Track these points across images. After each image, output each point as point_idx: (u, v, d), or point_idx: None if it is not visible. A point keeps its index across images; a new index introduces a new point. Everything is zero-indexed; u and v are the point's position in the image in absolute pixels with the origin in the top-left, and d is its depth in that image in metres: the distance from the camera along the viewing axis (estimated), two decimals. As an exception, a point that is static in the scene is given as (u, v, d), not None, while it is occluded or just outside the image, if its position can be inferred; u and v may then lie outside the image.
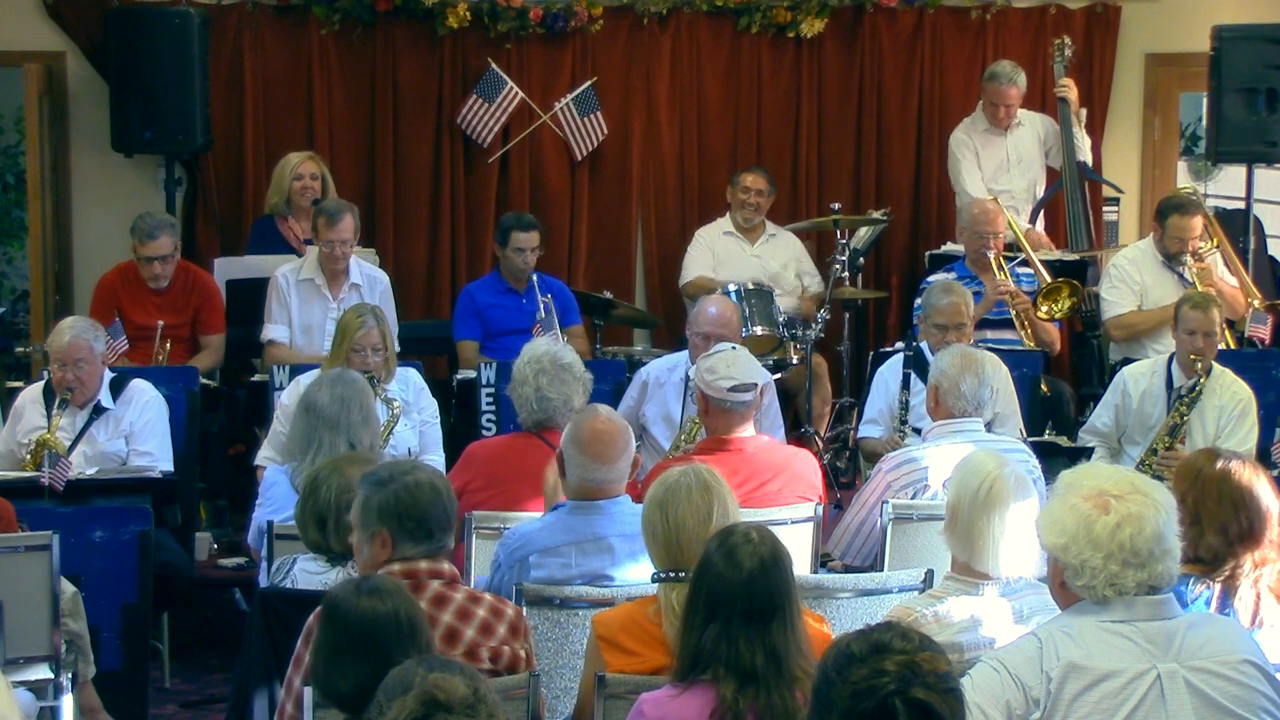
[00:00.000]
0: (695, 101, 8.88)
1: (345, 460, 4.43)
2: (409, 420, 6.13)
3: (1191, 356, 6.37)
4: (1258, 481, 3.97)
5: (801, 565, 4.85)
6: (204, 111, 8.15)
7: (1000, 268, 7.43)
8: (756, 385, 5.21)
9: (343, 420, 5.09)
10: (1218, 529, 3.90)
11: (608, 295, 8.06)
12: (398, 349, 7.12)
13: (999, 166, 8.34)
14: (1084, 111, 8.45)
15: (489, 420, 6.72)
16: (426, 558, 3.78)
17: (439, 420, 6.35)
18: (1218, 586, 3.89)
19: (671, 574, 3.66)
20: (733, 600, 3.24)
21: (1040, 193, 8.44)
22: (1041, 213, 8.44)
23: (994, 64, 8.38)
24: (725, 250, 8.35)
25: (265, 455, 6.01)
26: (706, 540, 3.41)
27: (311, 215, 7.53)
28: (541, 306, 7.30)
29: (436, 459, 6.15)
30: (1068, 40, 8.46)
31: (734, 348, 5.40)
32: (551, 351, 5.37)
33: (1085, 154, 8.41)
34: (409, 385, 6.25)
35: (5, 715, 2.74)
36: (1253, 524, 3.91)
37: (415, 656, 3.00)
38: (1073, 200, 8.35)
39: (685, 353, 6.45)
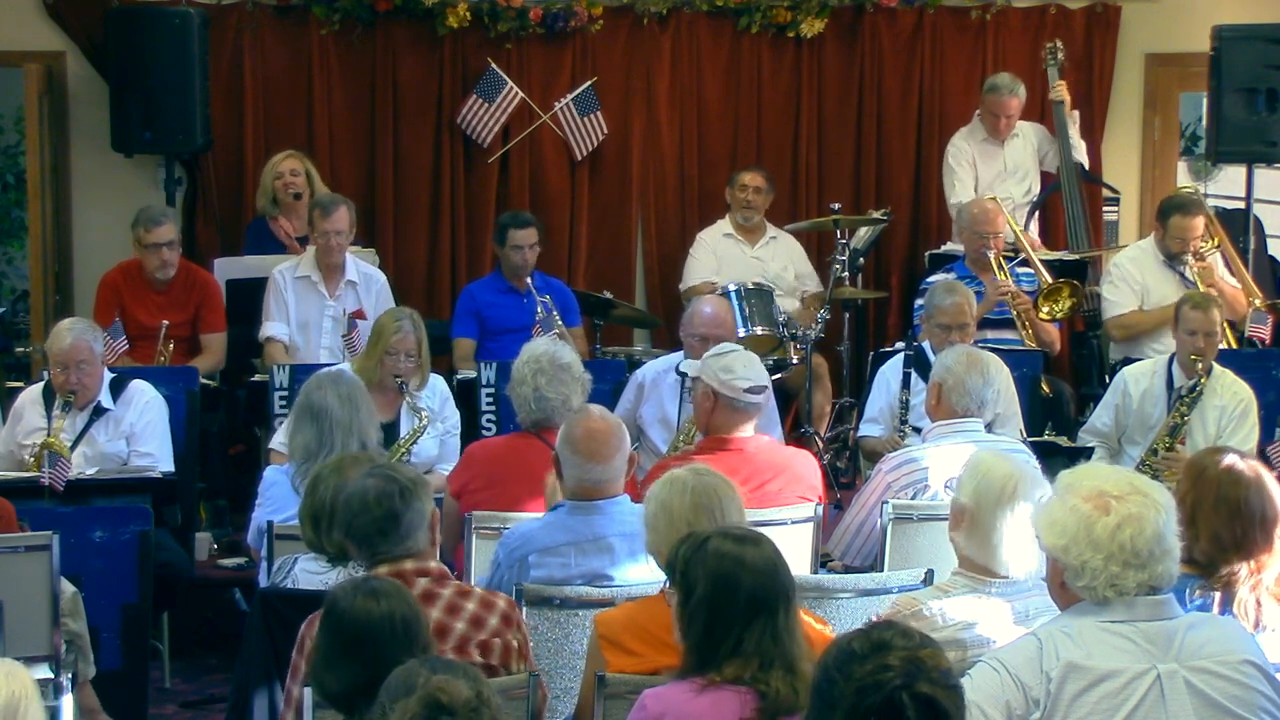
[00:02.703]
0: (695, 101, 8.88)
1: (350, 461, 4.44)
2: (432, 429, 6.09)
3: (1192, 357, 6.37)
4: (1259, 489, 3.94)
5: (801, 565, 4.86)
6: (204, 111, 8.15)
7: (1000, 268, 7.43)
8: (768, 387, 5.26)
9: (354, 421, 5.12)
10: (1211, 536, 3.88)
11: (608, 295, 8.06)
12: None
13: (996, 176, 8.35)
14: (1076, 114, 8.46)
15: (489, 420, 6.72)
16: (410, 558, 3.81)
17: (459, 432, 6.30)
18: (1217, 595, 3.87)
19: None
20: (775, 597, 3.24)
21: (1035, 199, 8.45)
22: (1036, 215, 8.44)
23: (993, 76, 8.39)
24: (726, 252, 8.35)
25: (280, 440, 5.96)
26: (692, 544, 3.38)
27: (301, 211, 7.57)
28: (540, 306, 7.30)
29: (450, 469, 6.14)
30: (1059, 44, 8.47)
31: (737, 349, 5.41)
32: (550, 351, 5.37)
33: (1081, 156, 8.42)
34: (435, 394, 6.21)
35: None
36: (1246, 534, 3.89)
37: (418, 657, 3.00)
38: (1071, 201, 8.36)
39: (681, 354, 6.45)
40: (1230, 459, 4.04)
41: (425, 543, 3.89)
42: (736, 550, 3.27)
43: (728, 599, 3.23)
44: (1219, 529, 3.89)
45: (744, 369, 5.19)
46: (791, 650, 3.22)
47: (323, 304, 7.27)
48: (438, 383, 6.31)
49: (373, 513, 3.81)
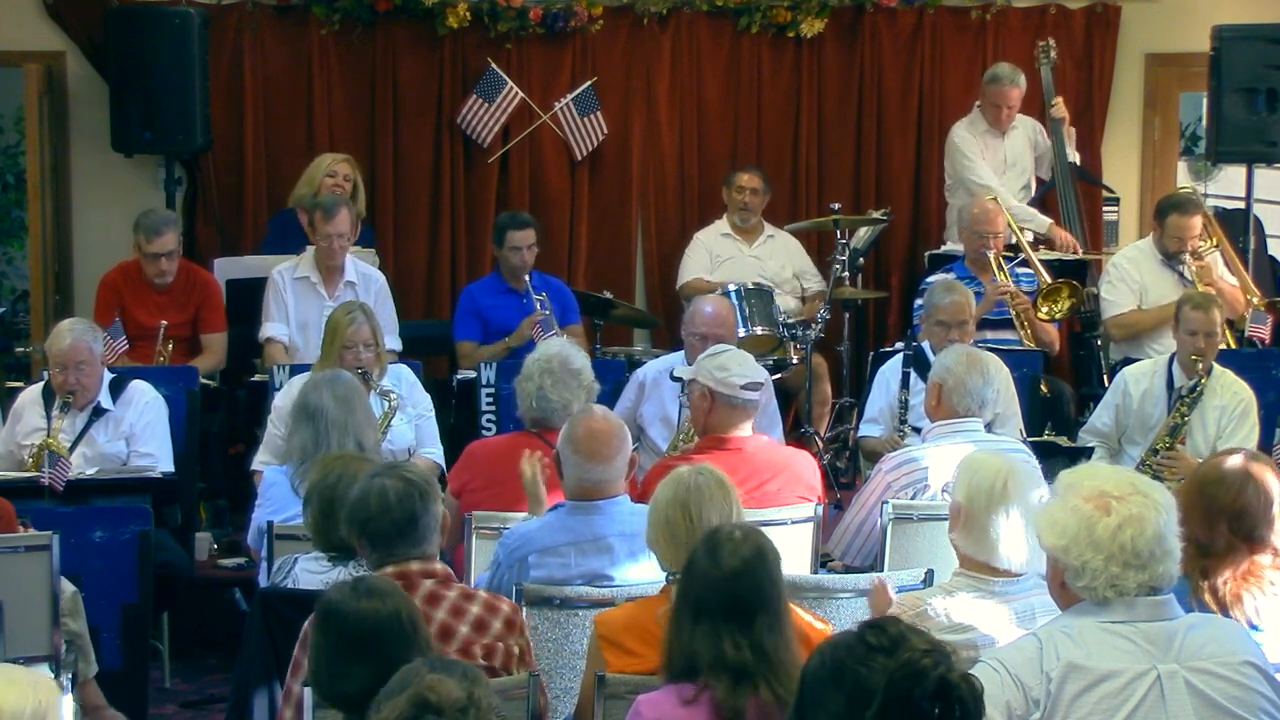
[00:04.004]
0: (695, 101, 8.88)
1: (351, 457, 4.46)
2: (404, 415, 6.13)
3: (1193, 357, 6.37)
4: (1240, 488, 3.95)
5: (801, 565, 4.86)
6: (204, 111, 8.15)
7: (1000, 268, 7.43)
8: (764, 384, 5.28)
9: (350, 422, 5.10)
10: (1190, 536, 3.89)
11: (608, 295, 8.05)
12: (400, 349, 7.17)
13: (995, 169, 8.36)
14: (1073, 131, 8.47)
15: (489, 420, 6.73)
16: (417, 559, 3.80)
17: (433, 414, 6.36)
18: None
19: None
20: (717, 599, 3.26)
21: (1032, 194, 8.47)
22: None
23: (994, 66, 8.39)
24: (724, 251, 8.35)
25: (261, 459, 6.01)
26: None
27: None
28: (538, 304, 7.29)
29: (434, 452, 6.18)
30: (1052, 43, 8.50)
31: (730, 348, 5.42)
32: (563, 354, 5.37)
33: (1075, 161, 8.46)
34: (402, 381, 6.26)
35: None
36: (1215, 545, 3.91)
37: (423, 657, 3.00)
38: (1065, 202, 8.38)
39: (682, 353, 6.45)
40: (1223, 459, 4.06)
41: (436, 546, 3.89)
42: (705, 541, 3.32)
43: (697, 592, 3.28)
44: (1195, 528, 3.89)
45: (739, 367, 5.20)
46: (739, 657, 3.22)
47: (322, 305, 7.24)
48: (403, 371, 6.36)
49: (393, 514, 3.79)
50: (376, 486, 3.82)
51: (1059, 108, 8.34)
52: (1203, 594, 3.86)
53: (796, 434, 7.46)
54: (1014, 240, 7.78)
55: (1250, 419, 6.40)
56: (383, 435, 5.81)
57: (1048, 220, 8.25)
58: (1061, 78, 8.58)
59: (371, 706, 2.86)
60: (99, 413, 6.12)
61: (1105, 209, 8.91)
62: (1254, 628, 3.77)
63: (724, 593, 3.27)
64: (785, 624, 3.30)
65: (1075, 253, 8.15)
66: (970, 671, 2.64)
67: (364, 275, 7.38)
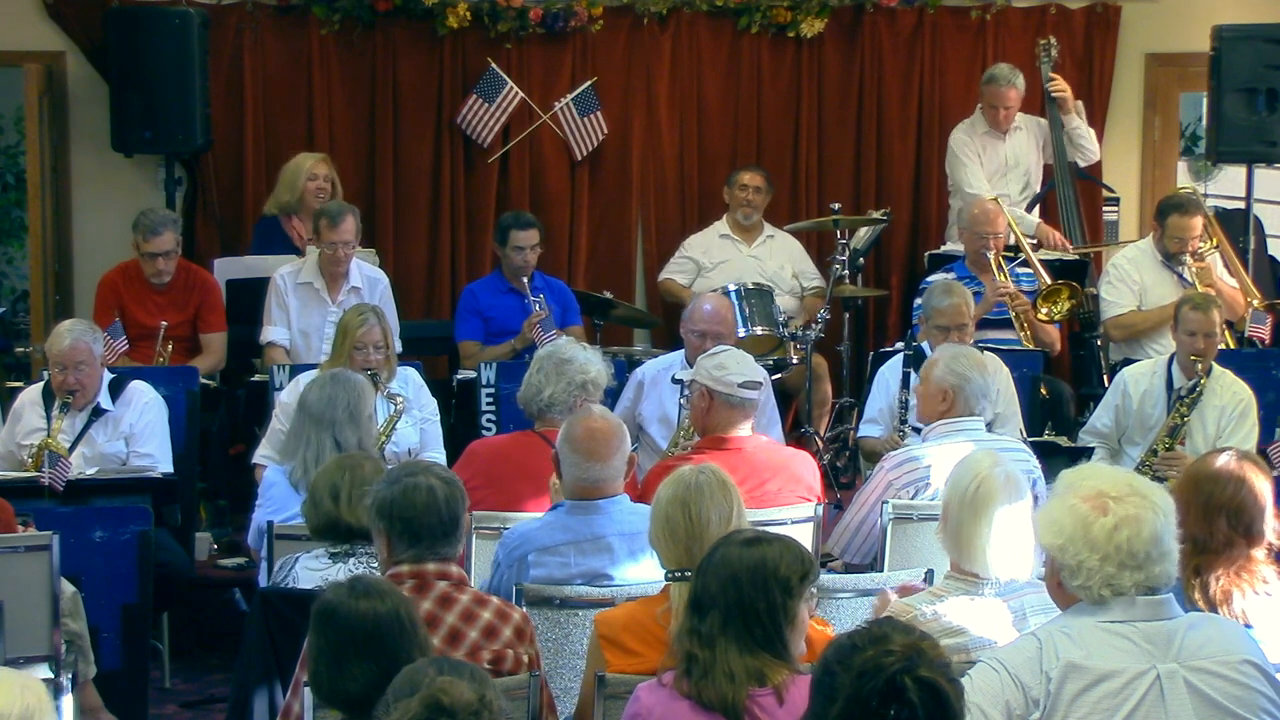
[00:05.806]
0: (695, 101, 8.88)
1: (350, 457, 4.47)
2: (410, 418, 6.14)
3: (1192, 358, 6.37)
4: (1235, 485, 3.96)
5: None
6: (204, 111, 8.15)
7: (1000, 268, 7.43)
8: (763, 383, 5.29)
9: (326, 417, 5.07)
10: (1188, 535, 3.90)
11: (608, 295, 8.05)
12: (399, 349, 7.16)
13: (997, 170, 8.35)
14: (1080, 104, 8.44)
15: (489, 420, 6.73)
16: (435, 560, 3.79)
17: (439, 419, 6.37)
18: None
19: (688, 573, 3.65)
20: (703, 594, 3.33)
21: (1034, 195, 8.46)
22: (1036, 211, 8.45)
23: (992, 67, 8.38)
24: (722, 252, 8.35)
25: (263, 454, 6.02)
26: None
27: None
28: (535, 306, 7.29)
29: (437, 456, 6.17)
30: (1053, 40, 8.49)
31: (728, 348, 5.44)
32: (556, 350, 5.40)
33: (1092, 145, 8.38)
34: (409, 384, 6.27)
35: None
36: (1213, 541, 3.91)
37: (429, 657, 3.00)
38: (1065, 199, 8.37)
39: (681, 352, 6.46)
40: (1214, 457, 4.06)
41: (461, 548, 3.90)
42: (725, 550, 3.32)
43: (697, 591, 3.31)
44: (1192, 525, 3.90)
45: (737, 365, 5.22)
46: (689, 647, 3.26)
47: (325, 310, 7.23)
48: (411, 373, 6.36)
49: (440, 515, 3.78)
50: (423, 485, 3.79)
51: (1054, 84, 8.30)
52: (1193, 592, 3.87)
53: (796, 434, 7.46)
54: (1014, 241, 7.77)
55: (1250, 419, 6.40)
56: (387, 438, 5.81)
57: (1035, 220, 8.25)
58: (1061, 77, 8.56)
59: (379, 707, 2.86)
60: (98, 413, 6.12)
61: (1105, 208, 8.90)
62: (1245, 625, 3.78)
63: (725, 592, 3.29)
64: (742, 627, 3.29)
65: (1065, 249, 8.14)
66: (940, 672, 2.64)
67: (369, 279, 7.36)
